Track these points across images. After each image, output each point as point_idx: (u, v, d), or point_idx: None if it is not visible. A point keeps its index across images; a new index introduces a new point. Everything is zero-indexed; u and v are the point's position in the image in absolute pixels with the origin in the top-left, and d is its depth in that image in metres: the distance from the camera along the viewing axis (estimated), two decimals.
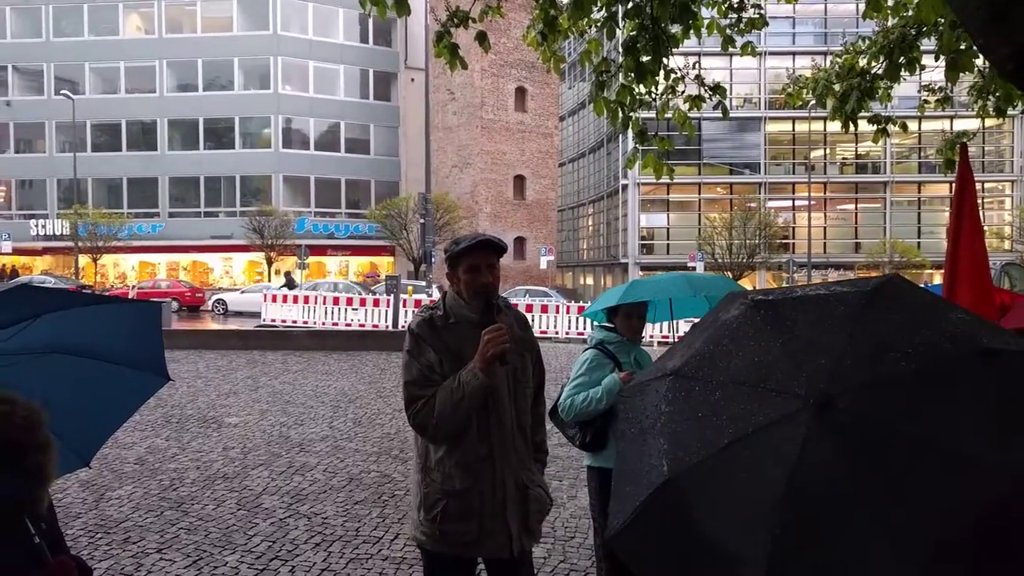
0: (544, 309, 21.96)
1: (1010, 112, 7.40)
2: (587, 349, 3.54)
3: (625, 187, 39.91)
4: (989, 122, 35.26)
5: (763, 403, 1.42)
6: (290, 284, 27.50)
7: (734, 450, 1.39)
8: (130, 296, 25.52)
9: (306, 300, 22.89)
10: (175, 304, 29.24)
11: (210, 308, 31.14)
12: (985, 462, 1.28)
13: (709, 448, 1.42)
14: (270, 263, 37.50)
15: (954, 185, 3.87)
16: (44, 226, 40.54)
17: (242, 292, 31.25)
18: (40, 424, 1.75)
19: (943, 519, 1.26)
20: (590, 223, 49.31)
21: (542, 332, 20.42)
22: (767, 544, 1.29)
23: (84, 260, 37.92)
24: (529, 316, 18.82)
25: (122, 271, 41.91)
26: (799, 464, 1.32)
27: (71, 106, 35.30)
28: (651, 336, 17.00)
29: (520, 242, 41.24)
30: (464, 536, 2.48)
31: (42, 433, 1.74)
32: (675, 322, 5.59)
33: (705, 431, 1.46)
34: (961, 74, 5.37)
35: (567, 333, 21.01)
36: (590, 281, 47.03)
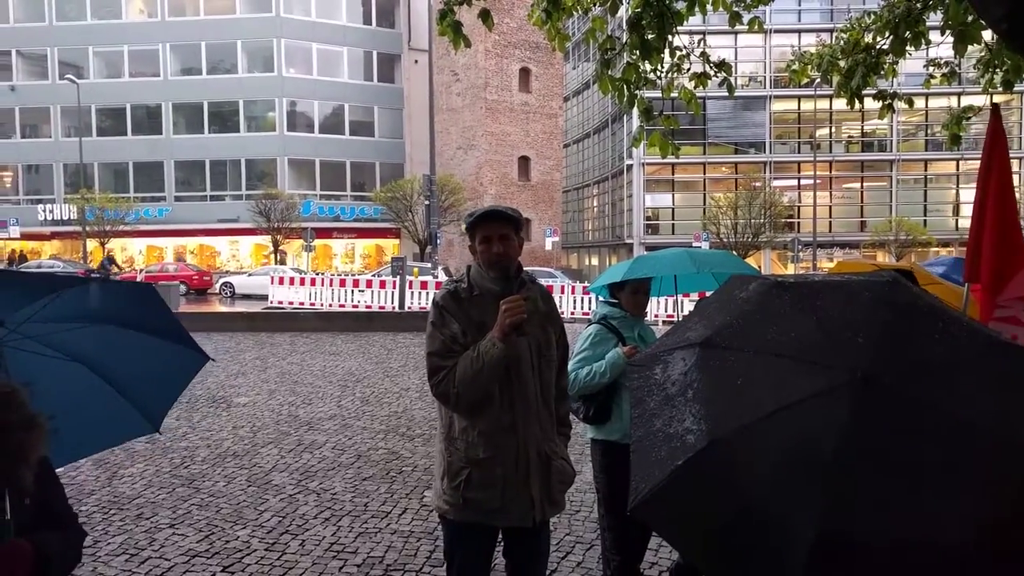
0: (549, 289, 21.95)
1: (1018, 87, 7.34)
2: (591, 324, 3.57)
3: (630, 167, 39.77)
4: (997, 98, 34.87)
5: (806, 375, 1.46)
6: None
7: (779, 417, 1.42)
8: (137, 281, 25.65)
9: (312, 282, 23.01)
10: (183, 287, 29.38)
11: (217, 291, 31.28)
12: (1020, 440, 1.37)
13: (752, 414, 1.44)
14: (276, 246, 37.56)
15: (984, 143, 3.65)
16: (51, 211, 40.63)
17: (249, 275, 31.37)
18: (16, 403, 1.73)
19: (988, 490, 1.33)
20: (595, 204, 49.19)
21: None
22: (817, 507, 1.33)
23: (92, 244, 38.05)
24: None
25: (130, 255, 42.05)
26: (848, 433, 1.37)
27: (75, 91, 35.23)
28: (656, 316, 17.02)
29: (525, 223, 41.13)
30: (487, 504, 2.52)
31: (20, 412, 1.72)
32: (680, 300, 5.62)
33: (745, 398, 1.48)
34: (968, 47, 5.33)
35: (572, 313, 21.05)
36: (595, 262, 47.00)
